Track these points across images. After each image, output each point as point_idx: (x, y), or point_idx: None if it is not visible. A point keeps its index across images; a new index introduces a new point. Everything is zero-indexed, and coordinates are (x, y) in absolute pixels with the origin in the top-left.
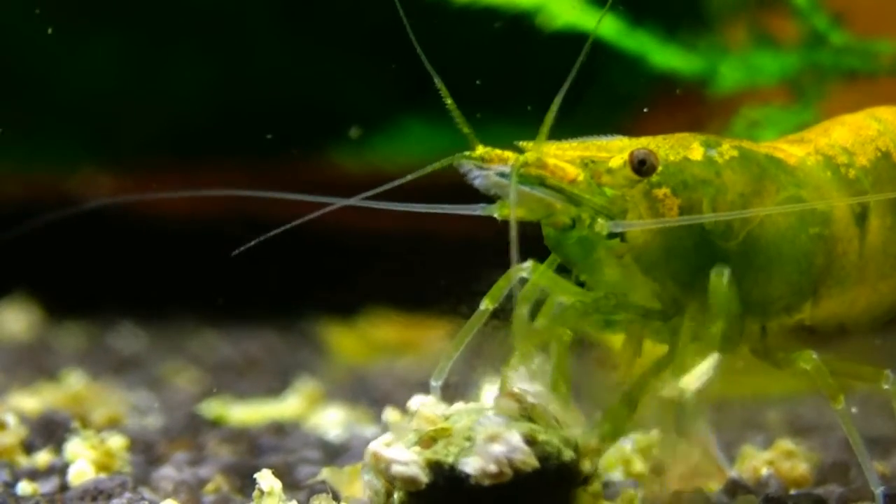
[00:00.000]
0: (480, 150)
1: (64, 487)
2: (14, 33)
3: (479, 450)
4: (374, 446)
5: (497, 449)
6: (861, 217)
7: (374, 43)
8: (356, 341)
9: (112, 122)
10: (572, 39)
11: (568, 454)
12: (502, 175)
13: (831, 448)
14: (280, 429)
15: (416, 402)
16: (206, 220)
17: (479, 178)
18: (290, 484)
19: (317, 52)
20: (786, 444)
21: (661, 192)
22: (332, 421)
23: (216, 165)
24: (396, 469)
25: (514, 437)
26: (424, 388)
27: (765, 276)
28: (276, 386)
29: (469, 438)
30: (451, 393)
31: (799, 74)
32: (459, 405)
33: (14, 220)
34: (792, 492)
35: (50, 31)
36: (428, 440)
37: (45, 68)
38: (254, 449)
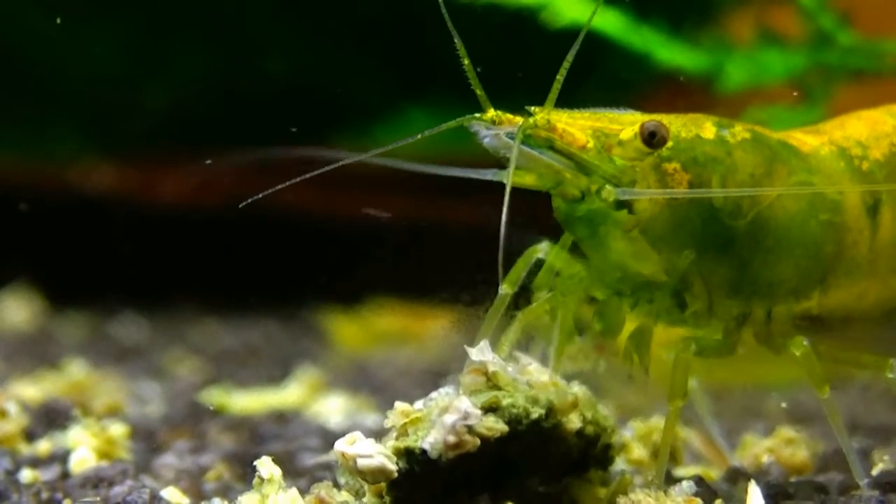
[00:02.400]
0: (492, 112)
1: (65, 475)
2: (17, 23)
3: (435, 425)
4: (338, 446)
5: (449, 418)
6: (873, 209)
7: (377, 32)
8: (358, 330)
9: (114, 111)
10: (578, 33)
11: (537, 412)
12: (512, 137)
13: (832, 436)
14: (281, 417)
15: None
16: (207, 209)
17: (489, 138)
18: (291, 471)
19: (318, 40)
20: (787, 431)
21: (670, 167)
22: (333, 409)
23: (218, 154)
24: (362, 463)
25: (464, 403)
26: (425, 377)
27: (773, 258)
28: (278, 374)
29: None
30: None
31: (805, 74)
32: (441, 390)
33: (17, 209)
34: (793, 479)
35: (58, 20)
36: (402, 432)
37: (47, 57)
38: (255, 437)
